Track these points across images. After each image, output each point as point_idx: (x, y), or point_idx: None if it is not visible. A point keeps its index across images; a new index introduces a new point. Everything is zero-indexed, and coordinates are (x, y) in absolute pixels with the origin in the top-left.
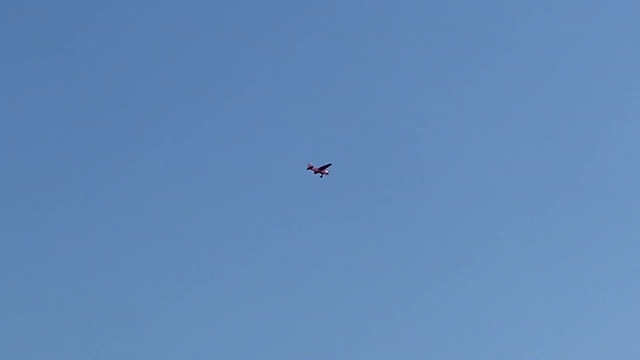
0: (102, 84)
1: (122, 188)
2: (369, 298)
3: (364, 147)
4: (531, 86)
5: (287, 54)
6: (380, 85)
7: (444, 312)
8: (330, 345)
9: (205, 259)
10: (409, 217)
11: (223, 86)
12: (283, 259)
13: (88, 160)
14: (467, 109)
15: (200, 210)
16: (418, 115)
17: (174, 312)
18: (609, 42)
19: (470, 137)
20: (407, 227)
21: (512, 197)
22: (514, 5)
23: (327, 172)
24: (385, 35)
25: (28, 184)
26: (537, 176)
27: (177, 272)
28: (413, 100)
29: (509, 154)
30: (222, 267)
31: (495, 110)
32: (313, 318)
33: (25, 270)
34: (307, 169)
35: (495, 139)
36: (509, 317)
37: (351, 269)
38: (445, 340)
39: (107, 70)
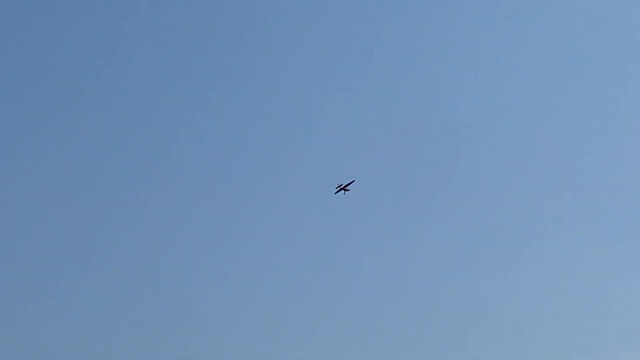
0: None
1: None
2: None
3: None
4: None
5: (305, 68)
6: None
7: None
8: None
9: (214, 260)
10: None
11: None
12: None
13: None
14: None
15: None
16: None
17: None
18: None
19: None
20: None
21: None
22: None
23: (349, 188)
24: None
25: (30, 184)
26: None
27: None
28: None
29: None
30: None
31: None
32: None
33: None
34: (336, 187)
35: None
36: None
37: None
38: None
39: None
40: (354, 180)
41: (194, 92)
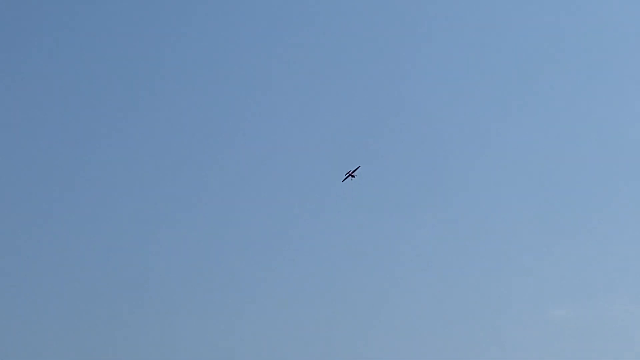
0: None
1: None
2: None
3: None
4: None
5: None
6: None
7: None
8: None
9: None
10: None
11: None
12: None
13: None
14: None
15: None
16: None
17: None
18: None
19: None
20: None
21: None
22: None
23: (355, 174)
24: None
25: (29, 183)
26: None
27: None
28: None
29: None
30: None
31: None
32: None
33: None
34: (345, 174)
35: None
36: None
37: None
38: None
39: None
40: (359, 166)
41: (198, 78)
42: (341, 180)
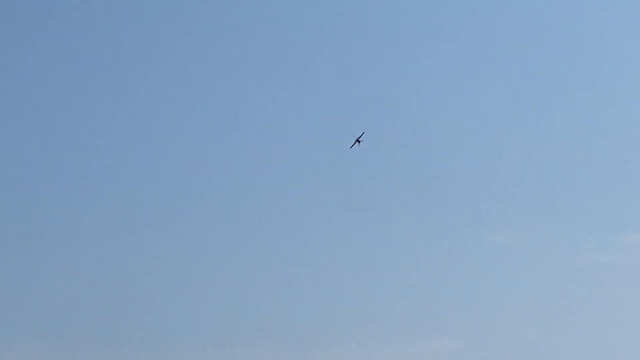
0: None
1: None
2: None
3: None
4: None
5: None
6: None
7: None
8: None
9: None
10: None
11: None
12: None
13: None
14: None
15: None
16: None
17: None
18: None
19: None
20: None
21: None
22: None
23: (362, 139)
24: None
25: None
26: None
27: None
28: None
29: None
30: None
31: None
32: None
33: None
34: (354, 140)
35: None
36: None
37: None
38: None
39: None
40: (364, 132)
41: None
42: (349, 146)
